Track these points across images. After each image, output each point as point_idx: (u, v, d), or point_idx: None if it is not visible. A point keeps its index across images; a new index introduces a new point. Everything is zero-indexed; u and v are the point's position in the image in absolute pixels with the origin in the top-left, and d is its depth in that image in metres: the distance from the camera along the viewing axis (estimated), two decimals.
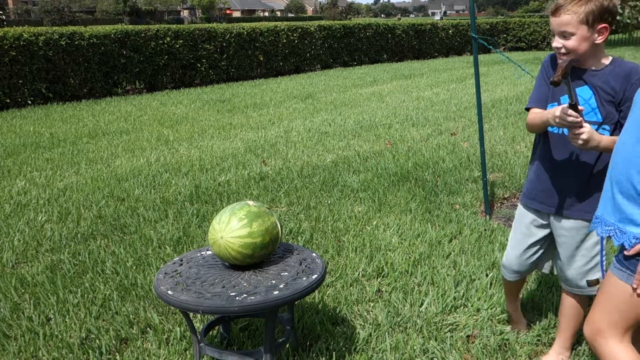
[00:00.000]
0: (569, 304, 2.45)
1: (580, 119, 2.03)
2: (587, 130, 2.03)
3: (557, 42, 2.16)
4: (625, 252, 1.69)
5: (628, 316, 1.73)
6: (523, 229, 2.48)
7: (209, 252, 2.54)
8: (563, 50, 2.15)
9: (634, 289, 1.68)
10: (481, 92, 4.32)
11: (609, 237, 1.77)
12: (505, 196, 4.77)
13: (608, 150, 2.01)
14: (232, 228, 2.24)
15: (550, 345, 2.59)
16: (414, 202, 4.55)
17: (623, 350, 1.73)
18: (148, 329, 2.84)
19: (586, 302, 2.47)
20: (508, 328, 2.76)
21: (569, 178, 2.29)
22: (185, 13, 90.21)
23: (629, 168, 1.70)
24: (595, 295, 1.93)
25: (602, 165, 2.19)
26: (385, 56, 19.46)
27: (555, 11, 2.13)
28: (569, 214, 2.31)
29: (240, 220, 2.26)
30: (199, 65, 13.99)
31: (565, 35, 2.13)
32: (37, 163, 6.34)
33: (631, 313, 1.72)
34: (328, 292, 3.13)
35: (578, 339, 2.60)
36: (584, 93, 2.18)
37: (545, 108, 2.31)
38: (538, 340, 2.68)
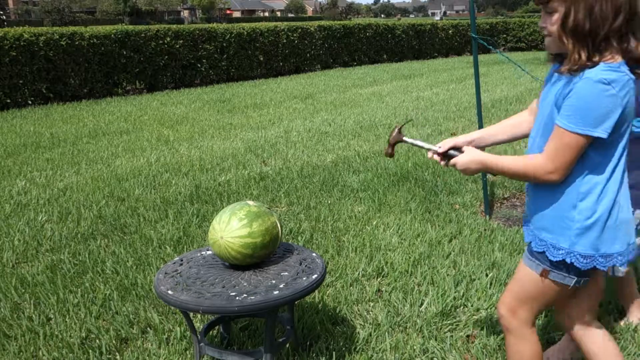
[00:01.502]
0: None
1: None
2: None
3: None
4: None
5: (538, 301, 1.90)
6: None
7: (209, 252, 2.55)
8: None
9: (541, 275, 1.85)
10: (481, 92, 4.32)
11: None
12: (505, 196, 4.78)
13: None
14: (232, 228, 2.25)
15: (550, 344, 2.59)
16: (414, 202, 4.56)
17: (530, 333, 1.94)
18: (148, 328, 2.84)
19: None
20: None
21: None
22: (185, 13, 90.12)
23: None
24: (621, 276, 1.99)
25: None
26: (385, 56, 19.46)
27: None
28: None
29: (240, 220, 2.26)
30: (199, 65, 13.99)
31: None
32: (38, 163, 6.35)
33: (541, 298, 1.90)
34: (328, 292, 3.14)
35: None
36: None
37: None
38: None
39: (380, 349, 2.62)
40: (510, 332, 1.96)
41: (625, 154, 1.73)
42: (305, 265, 2.37)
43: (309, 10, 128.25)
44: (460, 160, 1.91)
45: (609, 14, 1.59)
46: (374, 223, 4.16)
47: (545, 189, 1.79)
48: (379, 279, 3.30)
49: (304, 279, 2.24)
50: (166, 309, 2.99)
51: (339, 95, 11.37)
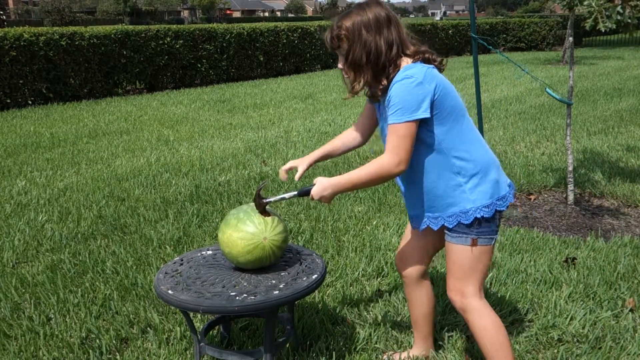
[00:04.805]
0: None
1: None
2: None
3: None
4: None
5: (477, 270, 2.08)
6: None
7: (209, 252, 2.55)
8: None
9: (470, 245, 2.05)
10: (481, 92, 4.32)
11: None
12: None
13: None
14: (270, 227, 2.26)
15: (550, 344, 2.59)
16: None
17: (483, 305, 2.11)
18: (148, 328, 2.84)
19: None
20: None
21: None
22: (185, 13, 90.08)
23: None
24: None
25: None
26: None
27: None
28: None
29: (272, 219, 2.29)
30: (199, 65, 13.98)
31: None
32: (38, 163, 6.35)
33: (478, 267, 2.08)
34: (328, 292, 3.14)
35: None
36: None
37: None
38: (537, 340, 2.68)
39: (380, 349, 2.62)
40: (467, 311, 2.11)
41: (465, 121, 2.05)
42: (305, 265, 2.37)
43: (309, 10, 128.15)
44: (313, 192, 2.12)
45: (383, 48, 1.99)
46: (374, 223, 4.16)
47: (423, 181, 2.08)
48: (379, 279, 3.30)
49: (304, 279, 2.24)
50: (166, 309, 2.99)
51: (339, 95, 11.37)
